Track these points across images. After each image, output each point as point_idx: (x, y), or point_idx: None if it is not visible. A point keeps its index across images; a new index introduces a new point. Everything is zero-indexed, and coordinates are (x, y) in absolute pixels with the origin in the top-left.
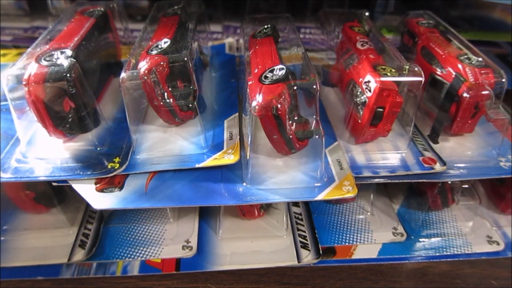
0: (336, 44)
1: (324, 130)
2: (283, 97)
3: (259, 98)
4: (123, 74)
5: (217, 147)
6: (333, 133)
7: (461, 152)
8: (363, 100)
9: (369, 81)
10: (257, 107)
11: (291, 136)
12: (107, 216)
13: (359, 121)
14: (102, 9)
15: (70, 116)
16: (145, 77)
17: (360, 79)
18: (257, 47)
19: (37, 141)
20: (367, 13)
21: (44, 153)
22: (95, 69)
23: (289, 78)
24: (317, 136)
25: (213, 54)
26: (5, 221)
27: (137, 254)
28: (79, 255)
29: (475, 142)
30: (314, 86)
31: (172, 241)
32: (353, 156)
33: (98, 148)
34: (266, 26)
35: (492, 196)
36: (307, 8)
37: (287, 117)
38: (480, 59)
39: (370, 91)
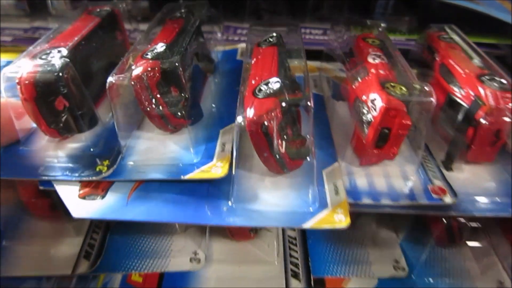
0: (347, 56)
1: (324, 149)
2: (273, 113)
3: (249, 112)
4: (110, 78)
5: (206, 158)
6: (335, 152)
7: (477, 183)
8: (369, 119)
9: (375, 99)
10: (245, 122)
11: (282, 155)
12: (113, 225)
13: (364, 141)
14: (108, 9)
15: (63, 115)
16: (135, 82)
17: (367, 96)
18: (259, 56)
19: (33, 139)
20: (383, 24)
21: (37, 151)
22: (99, 69)
23: (283, 93)
24: (308, 159)
25: (223, 59)
26: (11, 227)
27: (143, 267)
28: (83, 267)
29: (494, 172)
30: (308, 103)
31: (180, 253)
32: (355, 179)
33: (92, 149)
34: (272, 35)
35: (508, 236)
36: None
37: (278, 134)
38: (504, 81)
39: (375, 110)
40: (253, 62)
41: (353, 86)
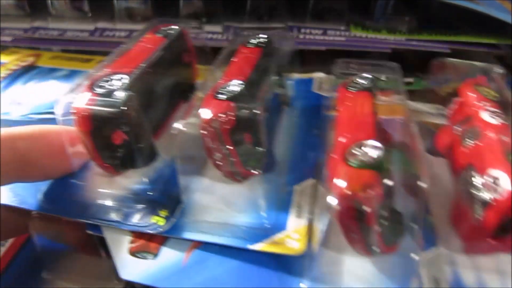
0: (449, 103)
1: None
2: (371, 191)
3: (338, 185)
4: (177, 125)
5: (279, 224)
6: (432, 231)
7: None
8: (485, 199)
9: (498, 178)
10: (335, 199)
11: (375, 239)
12: None
13: (475, 224)
14: (177, 27)
15: (121, 150)
16: (206, 128)
17: (484, 169)
18: (348, 104)
19: (85, 170)
20: (501, 70)
21: (88, 186)
22: (162, 94)
23: (385, 165)
24: (414, 257)
25: (297, 91)
26: (51, 259)
27: None
28: None
29: None
30: (420, 183)
31: None
32: (459, 272)
33: (149, 193)
34: (365, 76)
35: None
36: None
37: (374, 217)
38: None
39: (498, 191)
40: (339, 110)
41: (463, 148)
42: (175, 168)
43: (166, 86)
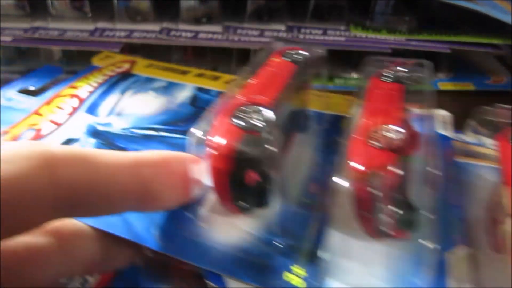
0: None
1: None
2: None
3: None
4: (343, 182)
5: None
6: None
7: None
8: None
9: None
10: None
11: None
12: None
13: None
14: (304, 52)
15: (252, 191)
16: (362, 182)
17: None
18: None
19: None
20: None
21: (202, 223)
22: (284, 126)
23: None
24: None
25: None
26: None
27: None
28: None
29: None
30: None
31: None
32: None
33: (275, 242)
34: None
35: None
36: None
37: None
38: None
39: None
40: (506, 166)
41: None
42: (301, 215)
43: (286, 116)
